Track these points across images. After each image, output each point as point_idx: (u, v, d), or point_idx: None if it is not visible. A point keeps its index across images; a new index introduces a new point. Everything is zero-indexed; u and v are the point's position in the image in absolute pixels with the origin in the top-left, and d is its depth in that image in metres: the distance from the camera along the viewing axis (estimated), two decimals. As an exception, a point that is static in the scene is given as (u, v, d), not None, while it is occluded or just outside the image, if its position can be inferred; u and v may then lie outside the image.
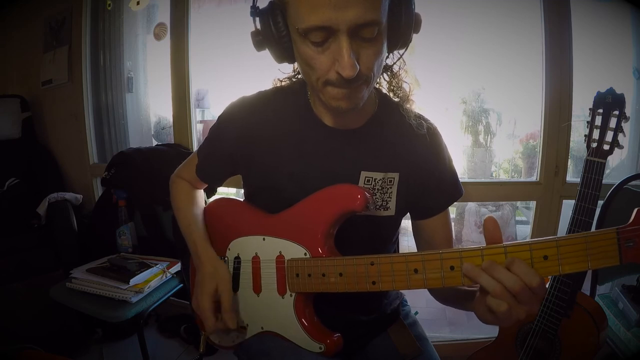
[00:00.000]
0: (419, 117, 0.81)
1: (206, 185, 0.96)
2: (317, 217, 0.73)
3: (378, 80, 0.81)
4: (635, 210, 0.49)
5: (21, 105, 2.20)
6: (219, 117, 0.86)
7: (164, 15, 2.06)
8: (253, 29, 0.69)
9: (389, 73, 0.80)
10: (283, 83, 0.84)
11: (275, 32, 0.65)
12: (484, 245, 0.57)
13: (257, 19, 0.67)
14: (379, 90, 0.83)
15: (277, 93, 0.82)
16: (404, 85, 0.80)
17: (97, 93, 2.25)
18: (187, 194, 0.93)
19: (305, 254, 0.73)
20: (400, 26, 0.64)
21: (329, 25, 0.58)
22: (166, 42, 1.98)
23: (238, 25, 2.13)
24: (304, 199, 0.76)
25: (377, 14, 0.59)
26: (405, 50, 0.71)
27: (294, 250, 0.75)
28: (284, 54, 0.68)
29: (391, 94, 0.82)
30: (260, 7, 0.67)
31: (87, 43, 2.15)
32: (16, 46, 2.39)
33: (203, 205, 0.94)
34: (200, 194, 0.96)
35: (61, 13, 2.17)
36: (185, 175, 0.95)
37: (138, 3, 2.10)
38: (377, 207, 0.79)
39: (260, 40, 0.68)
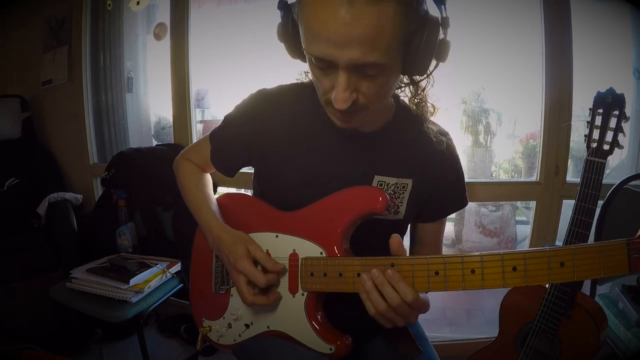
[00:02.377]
0: (440, 134, 0.81)
1: (214, 170, 0.93)
2: (335, 217, 0.72)
3: (402, 90, 0.81)
4: None
5: (21, 105, 2.19)
6: (237, 107, 0.85)
7: (164, 15, 2.06)
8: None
9: (413, 87, 0.79)
10: (308, 76, 0.83)
11: (292, 33, 0.66)
12: (485, 251, 0.60)
13: (282, 13, 0.67)
14: (397, 97, 0.83)
15: (296, 89, 0.82)
16: (428, 104, 0.80)
17: (97, 93, 2.25)
18: (196, 177, 0.91)
19: (321, 253, 0.72)
20: (416, 59, 0.62)
21: (330, 59, 0.58)
22: (166, 42, 1.97)
23: (238, 25, 2.14)
24: (321, 199, 0.75)
25: (379, 56, 0.57)
26: (430, 74, 0.70)
27: (308, 249, 0.73)
28: (298, 53, 0.69)
29: (413, 107, 0.82)
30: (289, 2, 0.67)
31: (87, 43, 2.15)
32: (16, 46, 2.39)
33: (212, 186, 0.92)
34: (209, 177, 0.94)
35: (61, 13, 2.17)
36: (194, 159, 0.93)
37: (138, 3, 2.10)
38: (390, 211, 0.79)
39: (281, 34, 0.69)
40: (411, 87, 0.79)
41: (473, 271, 0.59)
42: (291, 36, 0.66)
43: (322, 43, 0.57)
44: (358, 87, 0.61)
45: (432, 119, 0.83)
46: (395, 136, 0.79)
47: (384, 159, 0.78)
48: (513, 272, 0.57)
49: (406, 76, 0.74)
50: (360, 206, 0.71)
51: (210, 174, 0.95)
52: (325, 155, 0.78)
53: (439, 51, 0.63)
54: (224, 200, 0.89)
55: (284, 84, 0.84)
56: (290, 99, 0.81)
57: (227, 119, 0.86)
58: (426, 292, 0.63)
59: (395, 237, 0.64)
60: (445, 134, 0.83)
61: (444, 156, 0.81)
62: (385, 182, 0.78)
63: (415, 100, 0.81)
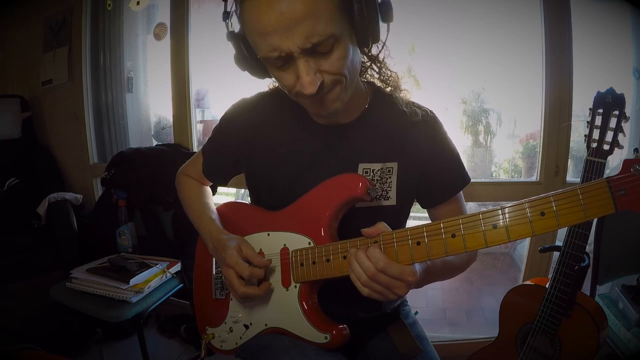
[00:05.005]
0: (412, 105, 0.82)
1: (211, 183, 0.97)
2: (319, 208, 0.74)
3: (369, 73, 0.82)
4: (623, 160, 0.50)
5: (21, 105, 2.20)
6: (222, 118, 0.89)
7: (164, 15, 2.06)
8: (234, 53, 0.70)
9: (377, 64, 0.81)
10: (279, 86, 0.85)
11: (249, 55, 0.68)
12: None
13: (232, 43, 0.69)
14: (371, 84, 0.84)
15: (274, 94, 0.85)
16: (392, 74, 0.81)
17: (97, 93, 2.25)
18: (196, 189, 0.95)
19: (309, 243, 0.74)
20: (364, 22, 0.63)
21: (283, 54, 0.60)
22: (166, 42, 1.98)
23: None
24: (306, 193, 0.77)
25: (327, 28, 0.59)
26: (385, 39, 0.71)
27: (298, 241, 0.76)
28: (263, 72, 0.71)
29: (383, 85, 0.83)
30: (236, 32, 0.69)
31: (87, 43, 2.15)
32: (16, 46, 2.39)
33: (212, 196, 0.96)
34: (208, 188, 0.98)
35: (61, 13, 2.17)
36: (192, 173, 0.97)
37: (138, 3, 2.10)
38: (378, 196, 0.80)
39: (239, 62, 0.71)
40: (373, 65, 0.81)
41: (454, 235, 0.59)
42: (248, 58, 0.68)
43: (269, 39, 0.59)
44: (319, 67, 0.63)
45: (411, 97, 0.83)
46: (374, 121, 0.80)
47: (366, 146, 0.79)
48: (494, 230, 0.56)
49: (365, 56, 0.77)
50: (341, 193, 0.73)
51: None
52: (310, 152, 0.80)
53: (383, 12, 0.64)
54: (222, 209, 0.93)
55: (262, 91, 0.87)
56: (270, 104, 0.84)
57: (214, 131, 0.90)
58: (411, 264, 0.63)
59: (364, 230, 0.66)
60: (419, 106, 0.83)
61: (419, 128, 0.81)
62: (370, 168, 0.79)
63: (382, 78, 0.82)
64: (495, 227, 0.56)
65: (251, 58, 0.68)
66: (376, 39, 0.68)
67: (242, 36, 0.67)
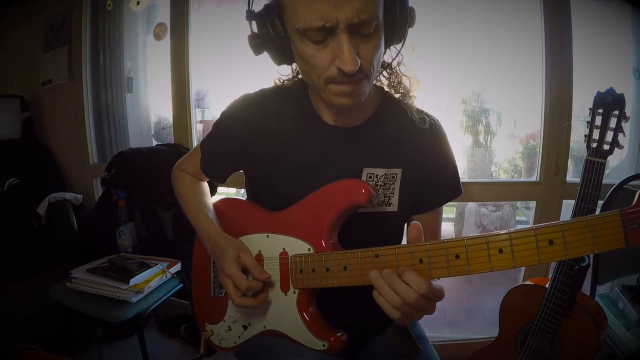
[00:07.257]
0: (421, 112, 0.81)
1: (210, 179, 0.95)
2: (321, 213, 0.73)
3: (378, 77, 0.82)
4: (638, 192, 0.48)
5: (21, 105, 2.19)
6: (222, 114, 0.86)
7: (164, 15, 2.06)
8: (250, 33, 0.69)
9: (388, 70, 0.81)
10: (284, 82, 0.84)
11: (273, 33, 0.66)
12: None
13: (254, 22, 0.68)
14: (380, 88, 0.84)
15: (278, 91, 0.83)
16: (404, 80, 0.81)
17: (97, 93, 2.25)
18: (193, 185, 0.93)
19: (309, 250, 0.73)
20: (395, 21, 0.65)
21: (329, 25, 0.59)
22: (166, 42, 1.97)
23: (238, 25, 2.13)
24: (308, 196, 0.76)
25: (375, 10, 0.60)
26: (403, 45, 0.72)
27: (297, 246, 0.74)
28: (283, 55, 0.69)
29: (392, 91, 0.83)
30: (256, 11, 0.67)
31: (87, 43, 2.15)
32: (16, 46, 2.39)
33: (209, 194, 0.94)
34: (205, 185, 0.96)
35: (61, 13, 2.17)
36: (189, 169, 0.95)
37: (138, 3, 2.10)
38: (380, 202, 0.79)
39: (258, 43, 0.68)
40: (385, 72, 0.81)
41: (458, 256, 0.57)
42: (272, 36, 0.66)
43: (318, 7, 0.58)
44: (358, 50, 0.62)
45: (416, 103, 0.83)
46: (381, 126, 0.80)
47: (372, 151, 0.79)
48: (499, 255, 0.55)
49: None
50: (344, 199, 0.72)
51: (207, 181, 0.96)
52: (314, 153, 0.79)
53: (411, 15, 0.67)
54: (220, 205, 0.91)
55: (265, 87, 0.85)
56: (275, 101, 0.82)
57: (214, 126, 0.88)
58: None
59: (413, 224, 0.62)
60: (427, 114, 0.82)
61: (426, 136, 0.81)
62: (374, 173, 0.78)
63: (393, 84, 0.82)
64: (500, 251, 0.54)
65: (276, 37, 0.66)
66: (400, 40, 0.69)
67: (269, 11, 0.65)
